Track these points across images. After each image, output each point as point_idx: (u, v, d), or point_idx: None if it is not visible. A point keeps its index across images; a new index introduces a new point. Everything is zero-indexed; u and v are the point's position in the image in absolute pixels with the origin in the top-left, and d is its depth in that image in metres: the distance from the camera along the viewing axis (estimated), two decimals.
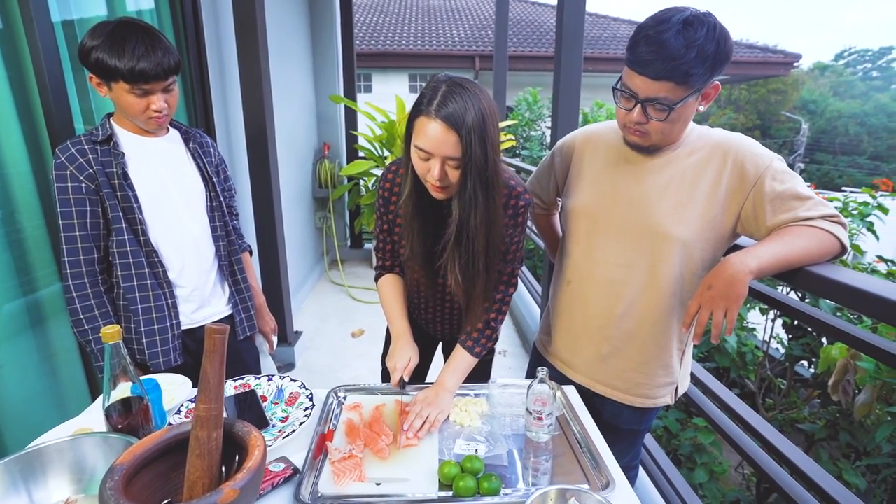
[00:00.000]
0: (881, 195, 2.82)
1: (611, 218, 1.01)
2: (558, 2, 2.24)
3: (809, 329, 2.64)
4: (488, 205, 0.92)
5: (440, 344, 1.40)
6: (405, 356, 1.07)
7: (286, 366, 2.63)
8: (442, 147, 0.87)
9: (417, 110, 0.89)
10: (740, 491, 2.42)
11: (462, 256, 0.97)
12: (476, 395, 1.09)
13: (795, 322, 2.71)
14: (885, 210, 2.70)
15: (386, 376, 1.40)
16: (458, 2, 12.24)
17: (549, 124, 7.32)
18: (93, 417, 0.94)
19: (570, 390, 1.10)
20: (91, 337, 1.09)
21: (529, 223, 1.38)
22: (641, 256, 0.98)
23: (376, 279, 1.23)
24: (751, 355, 2.78)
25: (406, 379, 1.06)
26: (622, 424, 1.10)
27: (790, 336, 2.79)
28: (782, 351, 2.87)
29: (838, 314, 2.29)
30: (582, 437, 0.95)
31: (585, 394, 1.11)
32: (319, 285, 4.11)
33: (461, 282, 1.00)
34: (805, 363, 2.95)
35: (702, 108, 0.91)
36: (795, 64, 9.68)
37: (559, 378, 1.16)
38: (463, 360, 1.08)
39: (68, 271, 1.07)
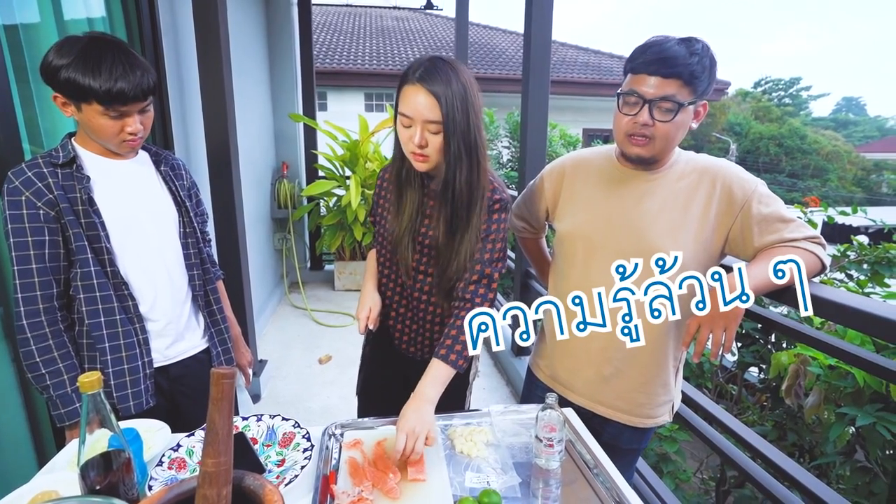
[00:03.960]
0: (811, 210, 3.11)
1: (607, 240, 1.04)
2: (525, 29, 2.33)
3: (758, 337, 2.84)
4: (471, 166, 0.98)
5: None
6: (366, 306, 1.15)
7: (252, 397, 2.47)
8: (422, 111, 0.93)
9: (403, 81, 0.96)
10: (700, 496, 2.52)
11: (448, 211, 1.02)
12: (478, 424, 1.07)
13: (744, 331, 2.91)
14: (814, 224, 2.97)
15: (363, 411, 1.34)
16: (412, 23, 12.44)
17: (505, 144, 7.52)
18: (56, 478, 0.82)
19: (570, 412, 1.10)
20: (49, 382, 0.97)
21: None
22: (639, 278, 1.00)
23: (367, 250, 1.35)
24: (708, 364, 2.93)
25: (372, 327, 1.14)
26: (622, 444, 1.11)
27: (740, 344, 2.97)
28: (731, 360, 3.05)
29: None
30: (591, 460, 0.94)
31: (584, 415, 1.11)
32: (280, 310, 3.93)
33: (444, 235, 1.04)
34: (754, 370, 3.16)
35: (693, 126, 0.97)
36: (726, 91, 10.58)
37: (558, 400, 1.15)
38: (441, 370, 0.99)
39: (22, 309, 0.95)
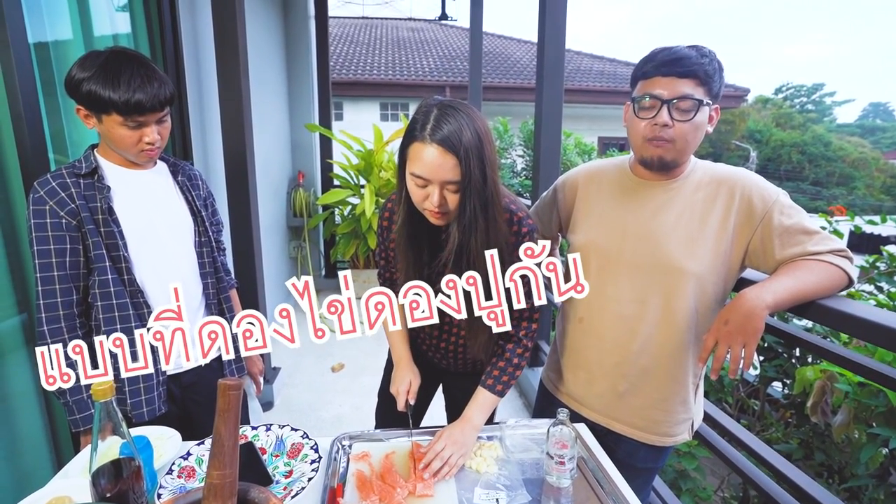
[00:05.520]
0: (836, 220, 3.01)
1: (622, 253, 1.01)
2: (538, 38, 2.32)
3: (781, 351, 2.75)
4: (488, 226, 0.90)
5: (441, 386, 1.35)
6: (406, 380, 1.08)
7: (265, 404, 2.49)
8: (440, 172, 0.85)
9: (411, 137, 0.87)
10: None
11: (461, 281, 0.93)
12: (489, 438, 1.05)
13: (766, 344, 2.82)
14: (840, 235, 2.87)
15: (380, 411, 1.35)
16: (427, 34, 12.58)
17: (519, 153, 7.52)
18: (69, 484, 0.84)
19: (583, 428, 1.08)
20: (66, 388, 0.98)
21: None
22: (655, 291, 0.98)
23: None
24: (728, 379, 2.84)
25: (412, 402, 1.07)
26: (638, 463, 1.08)
27: (762, 358, 2.88)
28: (754, 373, 2.95)
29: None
30: (604, 479, 0.91)
31: (598, 432, 1.08)
32: (294, 317, 3.96)
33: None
34: (778, 385, 3.05)
35: (709, 129, 0.95)
36: (745, 98, 10.39)
37: (571, 416, 1.13)
38: (487, 398, 1.04)
39: (43, 315, 0.97)
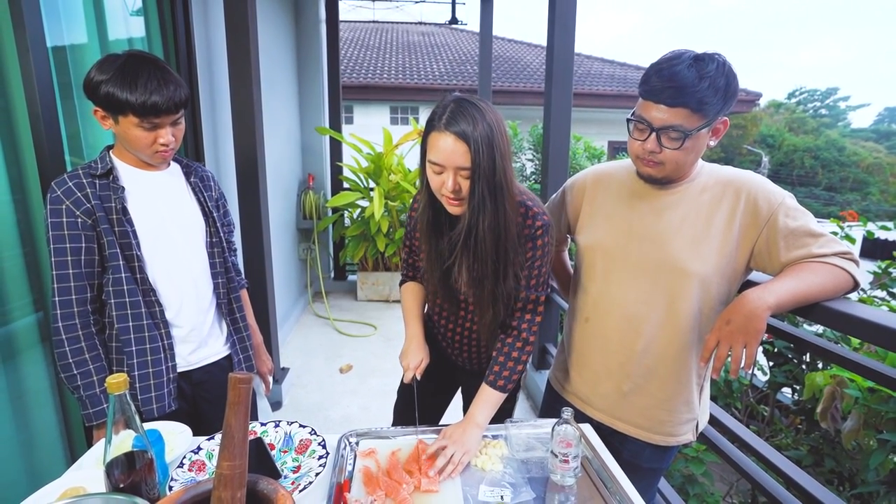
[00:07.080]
0: (848, 225, 2.97)
1: (627, 254, 1.02)
2: (548, 42, 2.34)
3: (790, 356, 2.72)
4: (497, 210, 0.95)
5: (460, 388, 1.37)
6: (417, 356, 1.10)
7: (273, 404, 2.51)
8: (453, 158, 0.91)
9: (430, 127, 0.94)
10: None
11: (469, 259, 0.99)
12: (494, 437, 1.06)
13: (776, 349, 2.79)
14: (852, 240, 2.84)
15: (399, 406, 1.37)
16: (437, 38, 12.64)
17: (528, 157, 7.52)
18: (83, 475, 0.86)
19: (588, 428, 1.08)
20: (80, 383, 1.01)
21: None
22: (660, 292, 0.99)
23: (401, 284, 1.29)
24: (736, 384, 2.82)
25: (418, 377, 1.09)
26: (643, 463, 1.08)
27: (772, 363, 2.85)
28: (763, 379, 2.92)
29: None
30: (609, 478, 0.92)
31: (604, 432, 1.09)
32: (304, 318, 4.00)
33: (469, 283, 1.02)
34: (788, 390, 3.01)
35: (712, 144, 0.95)
36: (757, 102, 10.28)
37: (577, 416, 1.14)
38: (489, 394, 1.06)
39: (58, 312, 1.00)
